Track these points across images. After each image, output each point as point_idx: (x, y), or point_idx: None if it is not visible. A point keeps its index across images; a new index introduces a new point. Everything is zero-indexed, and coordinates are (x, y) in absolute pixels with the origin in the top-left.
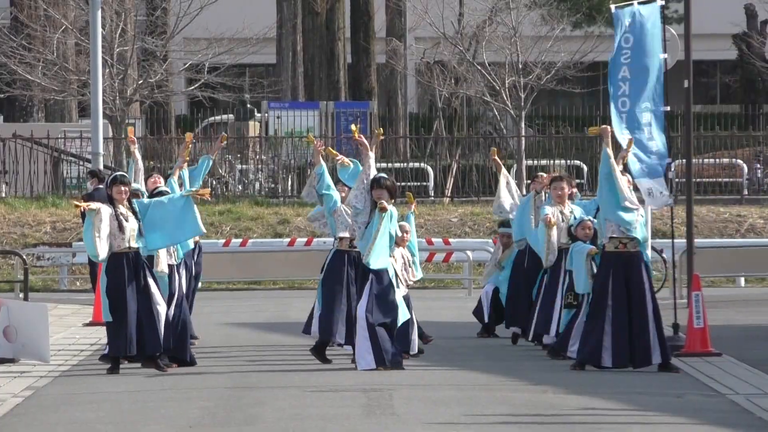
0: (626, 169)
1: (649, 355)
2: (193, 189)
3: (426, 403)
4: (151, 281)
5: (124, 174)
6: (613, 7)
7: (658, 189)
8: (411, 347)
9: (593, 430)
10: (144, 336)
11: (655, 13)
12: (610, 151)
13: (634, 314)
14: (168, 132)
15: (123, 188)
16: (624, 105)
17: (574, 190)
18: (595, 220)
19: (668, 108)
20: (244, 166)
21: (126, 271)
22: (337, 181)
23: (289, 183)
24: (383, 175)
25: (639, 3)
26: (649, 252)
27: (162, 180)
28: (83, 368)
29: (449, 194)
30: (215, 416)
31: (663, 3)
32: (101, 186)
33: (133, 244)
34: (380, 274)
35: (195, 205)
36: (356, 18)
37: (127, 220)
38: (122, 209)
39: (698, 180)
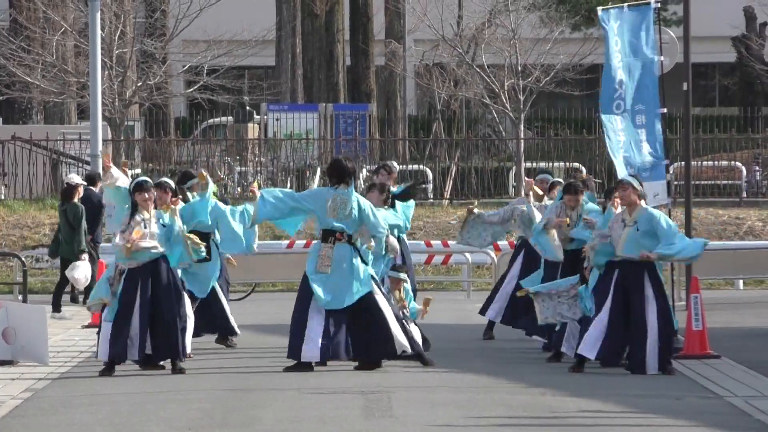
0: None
1: (644, 365)
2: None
3: (424, 405)
4: (172, 287)
5: (147, 179)
6: (599, 9)
7: (653, 192)
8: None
9: None
10: (158, 341)
11: (648, 14)
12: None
13: (633, 322)
14: (167, 134)
15: (147, 195)
16: (619, 107)
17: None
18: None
19: (665, 110)
20: (243, 168)
21: (142, 277)
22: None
23: (288, 185)
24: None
25: (629, 5)
26: None
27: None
28: (82, 370)
29: (448, 196)
30: (214, 418)
31: (658, 5)
32: (92, 188)
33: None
34: None
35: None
36: (355, 20)
37: (146, 227)
38: (146, 215)
39: (697, 182)
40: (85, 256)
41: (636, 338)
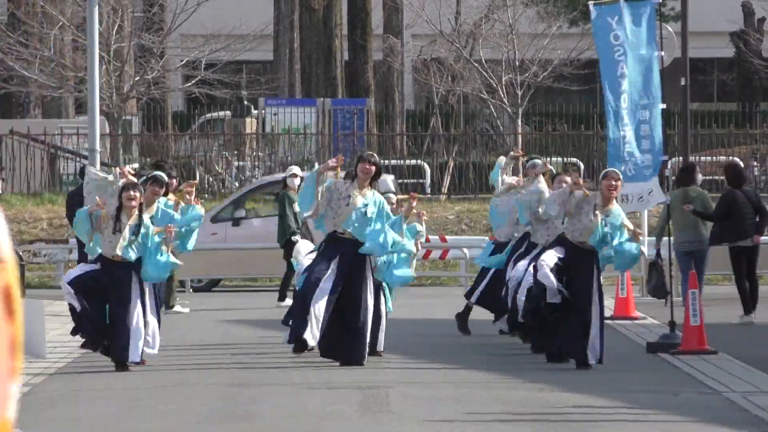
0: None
1: (586, 354)
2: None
3: (422, 400)
4: (132, 292)
5: (135, 183)
6: (591, 3)
7: (647, 190)
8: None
9: (590, 427)
10: (113, 342)
11: (649, 10)
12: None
13: (574, 309)
14: (165, 128)
15: (133, 194)
16: (625, 101)
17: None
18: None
19: (665, 105)
20: (240, 163)
21: (106, 275)
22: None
23: None
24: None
25: (626, 0)
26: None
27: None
28: (80, 364)
29: (446, 191)
30: (211, 413)
31: (659, 0)
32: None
33: (118, 253)
34: None
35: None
36: (353, 15)
37: (121, 231)
38: (124, 219)
39: None
40: (295, 237)
41: (575, 327)
